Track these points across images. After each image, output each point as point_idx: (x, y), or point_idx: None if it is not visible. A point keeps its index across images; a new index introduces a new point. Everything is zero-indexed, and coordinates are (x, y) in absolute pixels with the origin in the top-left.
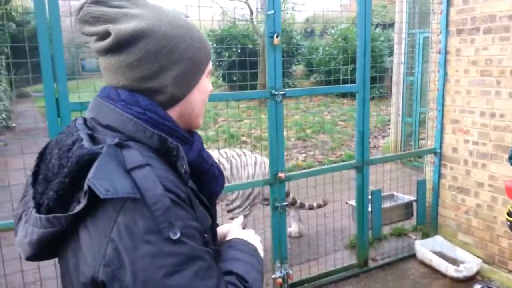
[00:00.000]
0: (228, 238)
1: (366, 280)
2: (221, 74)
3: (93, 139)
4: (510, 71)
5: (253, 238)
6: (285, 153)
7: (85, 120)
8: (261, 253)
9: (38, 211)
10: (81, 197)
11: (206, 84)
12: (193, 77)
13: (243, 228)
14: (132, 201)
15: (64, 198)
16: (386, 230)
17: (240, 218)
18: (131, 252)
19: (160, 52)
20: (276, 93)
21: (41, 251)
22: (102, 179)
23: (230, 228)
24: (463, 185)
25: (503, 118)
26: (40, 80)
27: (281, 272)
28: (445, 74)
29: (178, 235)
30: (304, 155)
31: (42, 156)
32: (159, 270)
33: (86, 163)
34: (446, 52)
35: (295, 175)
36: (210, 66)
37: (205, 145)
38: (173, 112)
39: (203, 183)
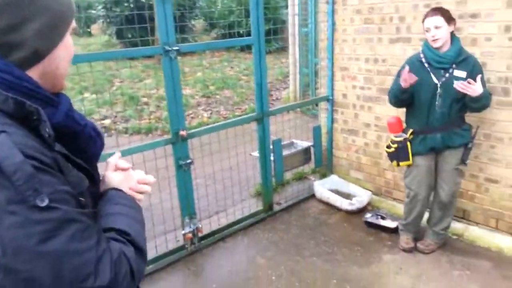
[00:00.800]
0: (103, 187)
1: (272, 223)
2: (114, 32)
3: None
4: (389, 18)
5: (125, 179)
6: (190, 112)
7: None
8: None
9: None
10: None
11: (70, 42)
12: (58, 30)
13: None
14: None
15: None
16: (288, 175)
17: (115, 156)
18: None
19: (23, 0)
20: (170, 49)
21: None
22: None
23: (105, 177)
24: (353, 127)
25: (384, 63)
26: None
27: (190, 227)
28: (333, 23)
29: (46, 201)
30: (209, 112)
31: None
32: (29, 238)
33: None
34: (333, 2)
35: (197, 132)
36: (74, 23)
37: (103, 110)
38: (35, 71)
39: (77, 145)
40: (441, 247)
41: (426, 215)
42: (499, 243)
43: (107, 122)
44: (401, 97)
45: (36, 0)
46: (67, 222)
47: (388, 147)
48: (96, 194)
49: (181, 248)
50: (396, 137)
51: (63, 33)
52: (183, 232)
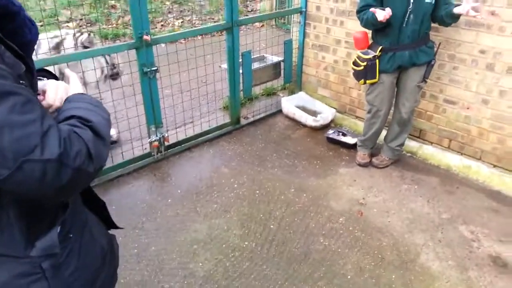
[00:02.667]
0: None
1: (238, 135)
2: None
3: None
4: None
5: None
6: (160, 19)
7: None
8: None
9: None
10: None
11: None
12: None
13: None
14: None
15: None
16: (257, 90)
17: (73, 76)
18: None
19: None
20: None
21: None
22: None
23: (59, 84)
24: (324, 43)
25: None
26: None
27: (156, 136)
28: None
29: None
30: (180, 20)
31: None
32: None
33: None
34: None
35: (163, 38)
36: None
37: (67, 12)
38: None
39: (13, 30)
40: (395, 163)
41: (383, 133)
42: (449, 162)
43: (71, 25)
44: (379, 27)
45: None
46: (6, 94)
47: (356, 64)
48: (34, 85)
49: (148, 155)
50: (364, 54)
51: None
52: (149, 140)
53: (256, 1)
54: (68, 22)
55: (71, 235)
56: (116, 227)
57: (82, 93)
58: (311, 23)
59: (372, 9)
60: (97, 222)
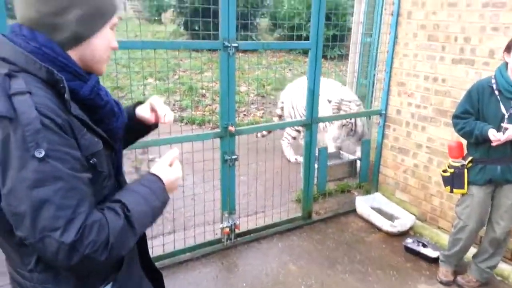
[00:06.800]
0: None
1: (308, 231)
2: (182, 22)
3: None
4: (454, 37)
5: (171, 173)
6: (243, 109)
7: None
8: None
9: None
10: None
11: (109, 35)
12: (97, 21)
13: None
14: (9, 120)
15: None
16: (331, 186)
17: (174, 151)
18: (2, 164)
19: None
20: (229, 45)
21: None
22: None
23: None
24: (404, 146)
25: (444, 83)
26: None
27: (228, 222)
28: (395, 36)
29: (42, 154)
30: (262, 111)
31: None
32: (23, 181)
33: None
34: (398, 14)
35: (245, 130)
36: (115, 20)
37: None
38: (74, 53)
39: (100, 118)
40: (482, 286)
41: (471, 251)
42: None
43: None
44: (480, 142)
45: None
46: (55, 179)
47: (445, 171)
48: (117, 162)
49: (218, 241)
50: (454, 162)
51: (101, 24)
52: (221, 226)
53: None
54: None
55: None
56: None
57: (154, 175)
58: (390, 125)
59: (492, 131)
60: None
